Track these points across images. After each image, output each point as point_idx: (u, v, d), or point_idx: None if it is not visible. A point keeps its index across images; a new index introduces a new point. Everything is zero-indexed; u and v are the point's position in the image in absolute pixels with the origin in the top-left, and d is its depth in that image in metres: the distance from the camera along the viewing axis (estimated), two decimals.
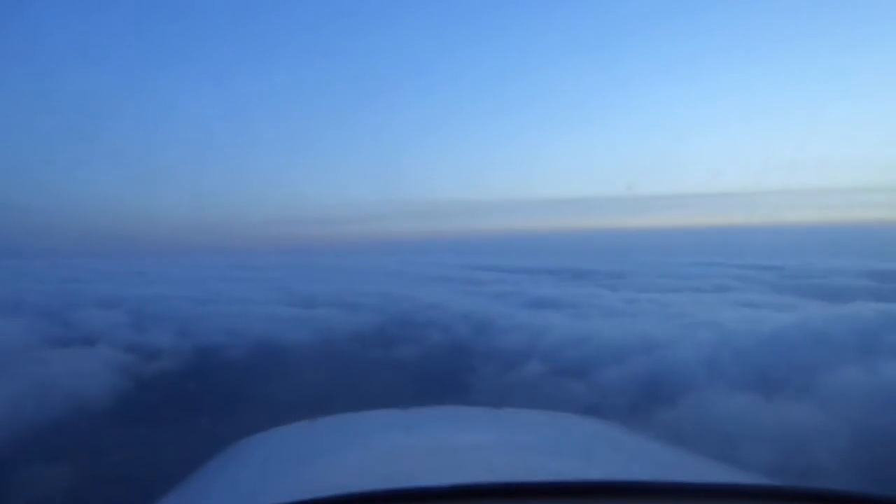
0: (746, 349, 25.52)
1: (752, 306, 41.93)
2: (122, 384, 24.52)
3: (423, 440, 2.26)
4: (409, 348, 33.67)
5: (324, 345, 34.95)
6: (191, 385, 26.74)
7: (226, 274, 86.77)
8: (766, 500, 1.38)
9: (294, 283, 68.13)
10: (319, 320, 40.79)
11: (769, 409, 18.74)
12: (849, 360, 21.75)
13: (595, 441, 2.45)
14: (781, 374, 21.69)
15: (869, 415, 17.67)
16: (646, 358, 26.20)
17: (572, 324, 36.39)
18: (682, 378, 23.06)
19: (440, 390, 25.88)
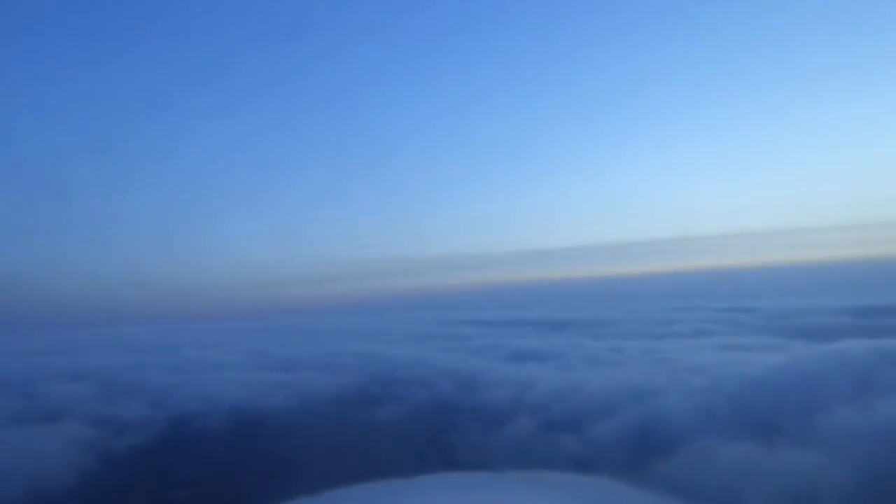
0: (739, 393, 24.89)
1: (738, 349, 41.70)
2: (87, 462, 23.11)
3: None
4: (392, 408, 32.62)
5: (304, 409, 33.83)
6: (164, 459, 25.40)
7: (200, 340, 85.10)
8: None
9: (271, 347, 66.88)
10: (299, 384, 39.68)
11: (770, 456, 17.98)
12: (846, 400, 21.17)
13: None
14: (778, 418, 21.04)
15: (874, 456, 16.98)
16: (637, 408, 25.45)
17: (558, 375, 35.64)
18: (676, 427, 22.33)
19: (427, 452, 24.82)
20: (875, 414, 19.99)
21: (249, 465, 24.24)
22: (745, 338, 50.58)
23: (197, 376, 43.65)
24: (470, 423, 28.69)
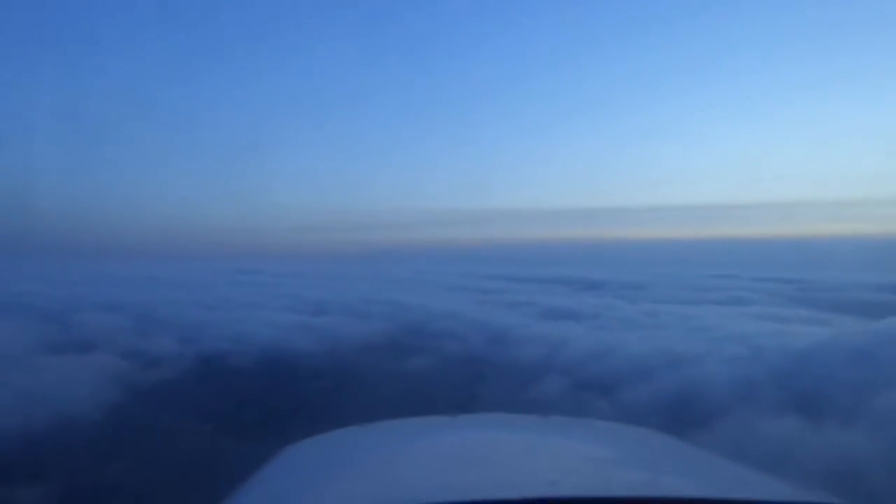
0: (782, 366, 23.92)
1: (777, 320, 40.33)
2: (115, 394, 23.22)
3: (477, 447, 2.19)
4: (421, 359, 32.33)
5: (333, 354, 33.72)
6: (191, 393, 25.53)
7: (235, 279, 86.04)
8: None
9: (304, 290, 67.09)
10: (329, 328, 39.59)
11: (815, 433, 17.13)
12: None
13: (653, 451, 2.33)
14: (825, 395, 20.06)
15: None
16: (673, 374, 24.66)
17: (592, 336, 34.89)
18: (714, 397, 21.55)
19: (455, 404, 24.40)
20: None
21: (277, 405, 24.20)
22: (784, 309, 48.96)
23: (230, 314, 43.88)
24: (501, 378, 28.26)
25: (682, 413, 20.48)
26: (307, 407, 23.57)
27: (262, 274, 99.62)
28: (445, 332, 39.05)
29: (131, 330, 36.59)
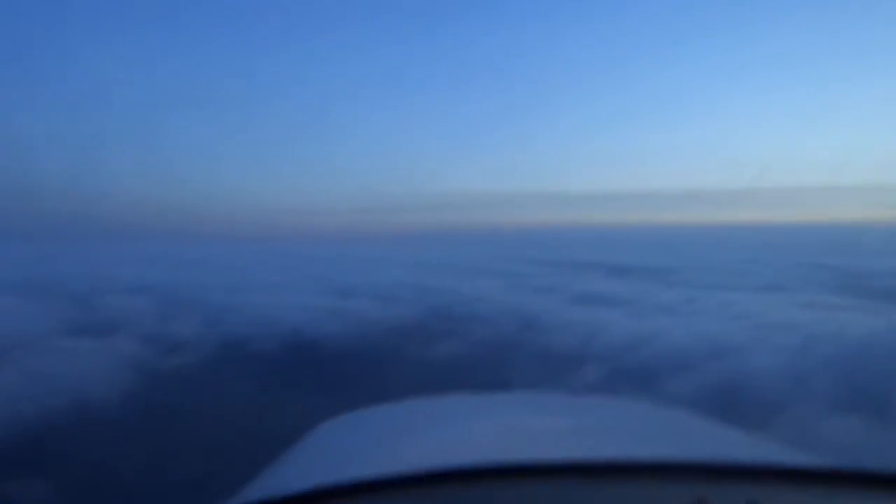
0: (838, 357, 22.28)
1: (822, 307, 38.46)
2: (133, 378, 22.51)
3: (509, 423, 2.19)
4: (450, 344, 31.20)
5: (360, 338, 32.81)
6: (213, 378, 24.82)
7: (262, 262, 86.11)
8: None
9: (331, 273, 66.66)
10: (356, 312, 38.78)
11: (883, 433, 15.64)
12: None
13: (690, 430, 2.28)
14: (889, 389, 18.50)
15: None
16: (719, 364, 23.20)
17: (628, 322, 33.48)
18: (765, 391, 20.10)
19: (486, 390, 23.28)
20: None
21: (297, 392, 23.35)
22: (826, 296, 46.88)
23: (256, 298, 43.38)
24: (534, 364, 27.08)
25: (731, 408, 19.05)
26: (332, 392, 22.76)
27: (291, 255, 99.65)
28: (475, 317, 37.99)
29: (155, 313, 36.17)
